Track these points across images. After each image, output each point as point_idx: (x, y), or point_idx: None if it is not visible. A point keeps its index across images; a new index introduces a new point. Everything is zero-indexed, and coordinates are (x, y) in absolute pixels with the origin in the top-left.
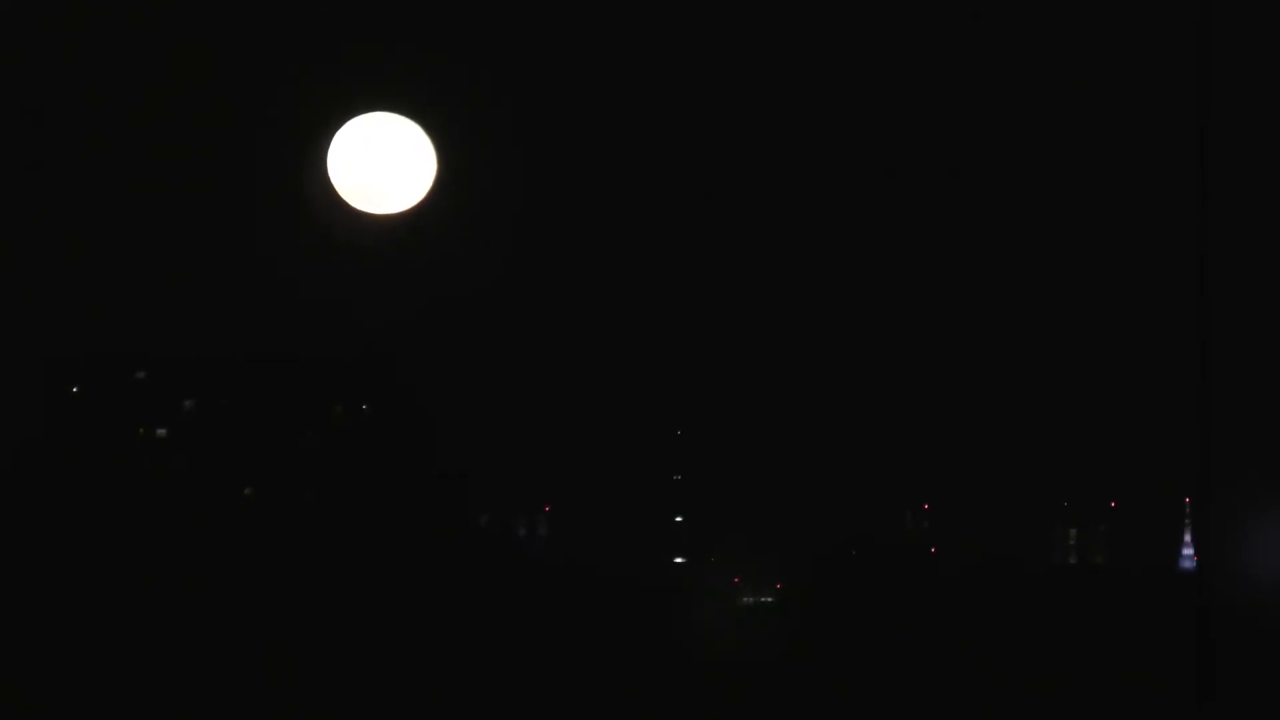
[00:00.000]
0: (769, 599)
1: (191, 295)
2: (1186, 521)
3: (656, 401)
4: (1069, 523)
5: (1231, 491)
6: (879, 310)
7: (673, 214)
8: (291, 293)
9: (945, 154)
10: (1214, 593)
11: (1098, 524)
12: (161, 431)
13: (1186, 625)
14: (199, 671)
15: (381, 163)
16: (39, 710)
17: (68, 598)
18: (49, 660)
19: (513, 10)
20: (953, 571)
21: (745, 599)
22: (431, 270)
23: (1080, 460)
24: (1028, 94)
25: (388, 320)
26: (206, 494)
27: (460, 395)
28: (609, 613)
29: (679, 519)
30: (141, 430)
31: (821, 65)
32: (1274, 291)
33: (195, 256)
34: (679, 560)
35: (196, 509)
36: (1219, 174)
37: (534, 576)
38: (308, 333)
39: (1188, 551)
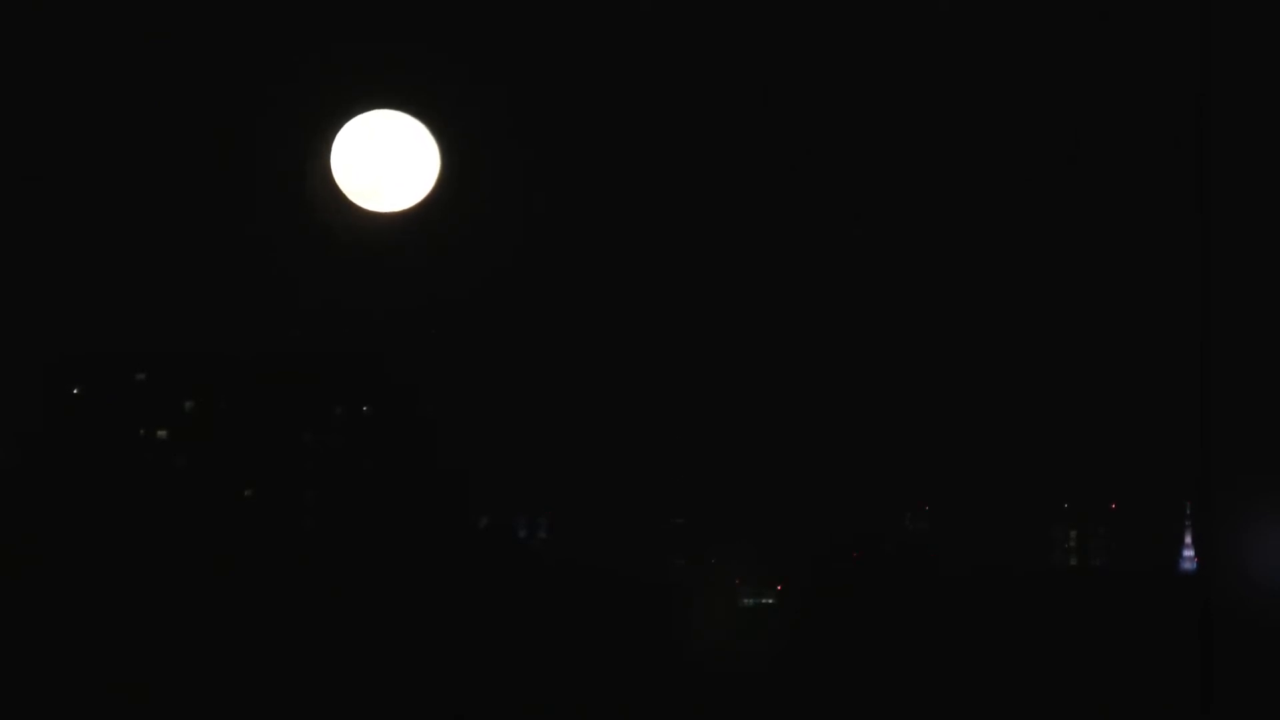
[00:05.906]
0: (769, 599)
1: (192, 295)
2: (1187, 523)
3: (658, 402)
4: (1069, 524)
5: (1231, 492)
6: (879, 311)
7: (677, 212)
8: (292, 292)
9: (946, 154)
10: (1215, 594)
11: (1098, 525)
12: (162, 432)
13: (1187, 627)
14: (199, 672)
15: (384, 160)
16: (39, 710)
17: (68, 598)
18: (49, 660)
19: (516, 8)
20: (952, 572)
21: (745, 599)
22: (434, 268)
23: (1080, 462)
24: (1028, 92)
25: (389, 319)
26: (206, 494)
27: (461, 394)
28: (610, 613)
29: (680, 520)
30: (141, 430)
31: (823, 60)
32: (1274, 292)
33: (196, 256)
34: (680, 561)
35: (197, 509)
36: (1219, 176)
37: (535, 577)
38: (308, 332)
39: (1188, 553)
